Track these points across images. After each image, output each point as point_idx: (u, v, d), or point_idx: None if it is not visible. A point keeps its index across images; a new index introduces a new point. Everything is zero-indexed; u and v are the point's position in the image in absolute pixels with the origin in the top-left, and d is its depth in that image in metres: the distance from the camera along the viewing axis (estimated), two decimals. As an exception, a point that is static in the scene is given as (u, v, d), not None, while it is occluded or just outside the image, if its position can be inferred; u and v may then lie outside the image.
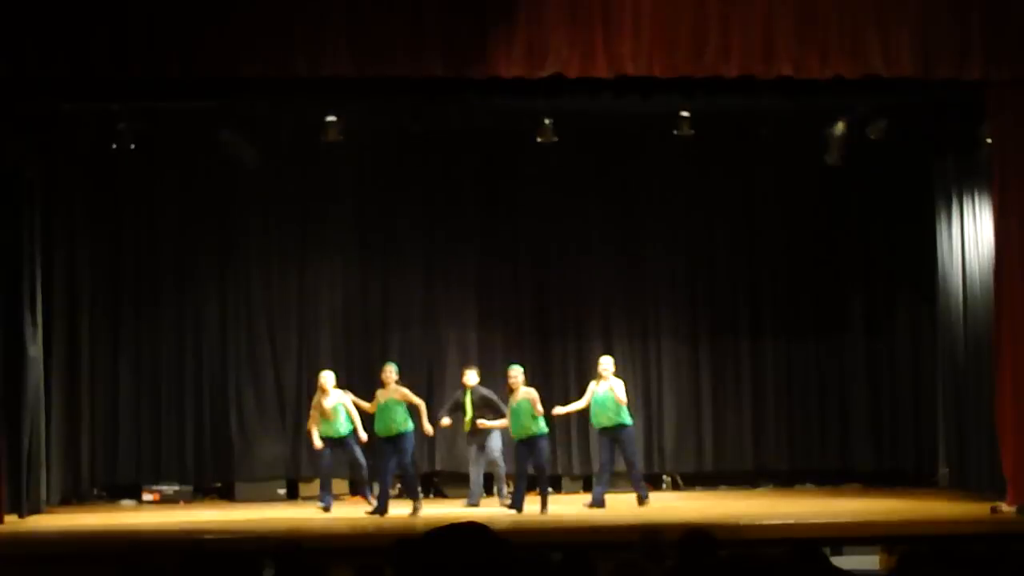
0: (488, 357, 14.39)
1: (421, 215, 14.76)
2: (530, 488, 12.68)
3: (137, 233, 14.45)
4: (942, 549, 5.96)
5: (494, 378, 13.59)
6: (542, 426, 12.50)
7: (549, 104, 12.49)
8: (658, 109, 12.69)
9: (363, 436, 12.83)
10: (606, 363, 13.14)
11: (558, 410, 13.26)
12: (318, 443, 12.89)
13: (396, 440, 12.42)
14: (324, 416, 12.83)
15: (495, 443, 13.17)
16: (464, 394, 13.23)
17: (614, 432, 12.95)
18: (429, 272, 14.78)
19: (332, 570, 6.43)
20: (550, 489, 12.84)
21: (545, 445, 12.65)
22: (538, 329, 14.84)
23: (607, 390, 12.93)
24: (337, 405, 12.83)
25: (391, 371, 12.66)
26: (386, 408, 12.45)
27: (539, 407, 12.43)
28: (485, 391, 13.24)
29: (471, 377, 13.26)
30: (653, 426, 14.77)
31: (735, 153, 14.59)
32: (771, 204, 15.01)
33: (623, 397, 12.89)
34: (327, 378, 12.97)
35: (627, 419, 12.99)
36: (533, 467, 12.51)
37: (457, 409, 13.29)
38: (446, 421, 13.29)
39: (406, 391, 12.58)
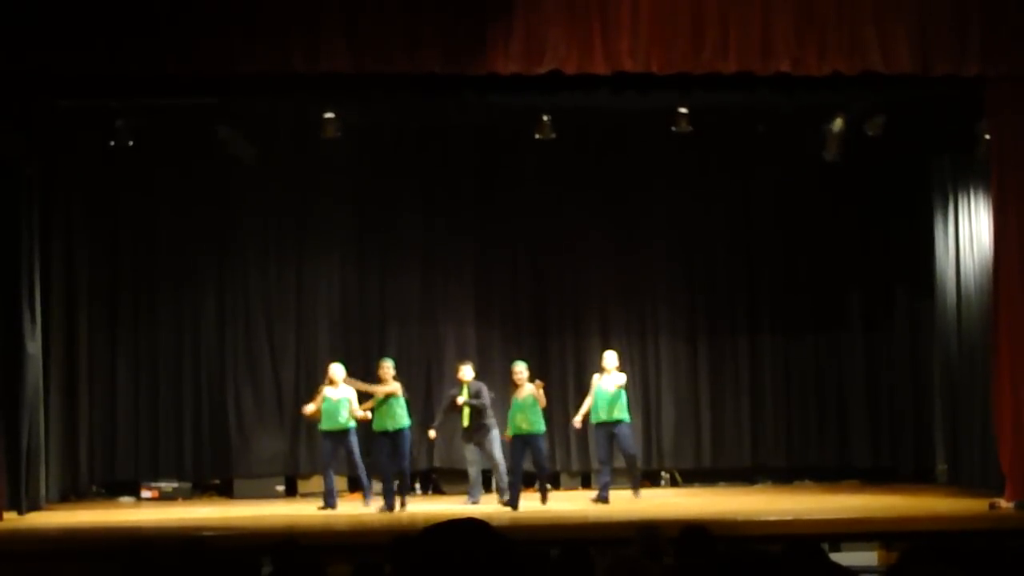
0: (486, 353, 14.41)
1: (419, 211, 14.74)
2: (528, 485, 12.68)
3: (135, 229, 14.44)
4: (941, 545, 5.96)
5: (492, 375, 13.59)
6: (540, 424, 12.49)
7: (547, 100, 12.49)
8: (656, 105, 12.69)
9: (362, 414, 12.70)
10: (608, 358, 13.14)
11: (577, 421, 13.29)
12: (308, 409, 12.90)
13: (393, 436, 12.41)
14: (327, 408, 12.79)
15: (494, 440, 13.15)
16: (460, 390, 13.21)
17: (609, 427, 12.96)
18: (427, 268, 14.77)
19: (330, 567, 6.43)
20: (548, 485, 12.85)
21: (542, 442, 12.65)
22: (536, 325, 14.83)
23: (605, 387, 12.95)
24: (342, 399, 12.80)
25: (388, 367, 12.64)
26: (382, 404, 12.45)
27: (543, 400, 12.45)
28: (480, 386, 13.19)
29: (467, 372, 13.23)
30: (651, 423, 14.77)
31: (733, 150, 14.58)
32: (769, 200, 15.00)
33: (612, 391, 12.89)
34: (336, 370, 12.93)
35: (621, 415, 12.97)
36: (533, 464, 12.50)
37: (455, 407, 13.27)
38: (432, 434, 13.28)
39: (390, 385, 12.50)
